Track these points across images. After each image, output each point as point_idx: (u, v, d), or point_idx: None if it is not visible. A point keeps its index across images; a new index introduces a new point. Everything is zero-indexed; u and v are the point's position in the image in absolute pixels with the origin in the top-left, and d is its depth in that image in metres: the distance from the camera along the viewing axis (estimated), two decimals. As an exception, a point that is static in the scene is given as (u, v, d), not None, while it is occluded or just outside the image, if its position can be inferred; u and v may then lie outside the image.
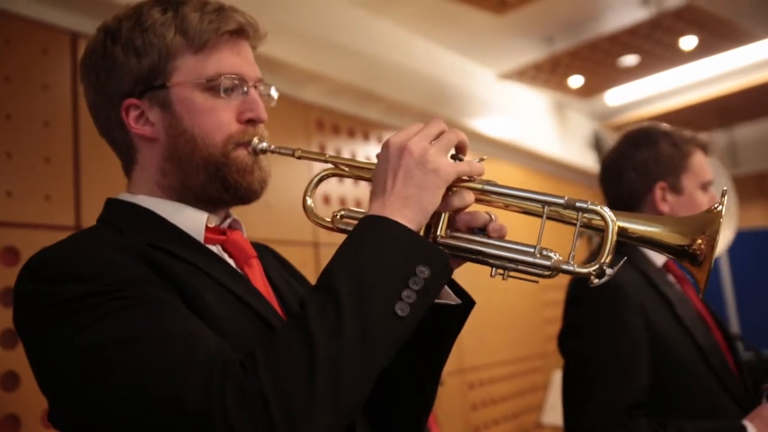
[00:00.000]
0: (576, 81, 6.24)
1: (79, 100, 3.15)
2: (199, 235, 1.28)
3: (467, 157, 1.23)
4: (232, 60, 1.28)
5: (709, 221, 1.13)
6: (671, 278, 2.24)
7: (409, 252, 1.06)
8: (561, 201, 1.17)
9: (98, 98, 1.31)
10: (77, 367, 1.00)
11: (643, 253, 2.20)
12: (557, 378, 5.80)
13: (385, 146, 1.16)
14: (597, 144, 8.00)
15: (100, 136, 1.36)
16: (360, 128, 4.95)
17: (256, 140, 1.29)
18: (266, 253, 1.48)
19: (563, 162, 7.18)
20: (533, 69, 5.83)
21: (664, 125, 2.40)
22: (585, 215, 1.17)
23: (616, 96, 7.22)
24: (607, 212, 1.14)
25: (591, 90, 6.66)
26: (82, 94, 3.26)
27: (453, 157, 1.21)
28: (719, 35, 5.60)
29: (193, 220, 1.28)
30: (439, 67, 5.58)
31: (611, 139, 8.19)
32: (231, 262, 1.32)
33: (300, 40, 4.26)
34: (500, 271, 1.22)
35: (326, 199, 4.48)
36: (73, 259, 1.08)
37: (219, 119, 1.26)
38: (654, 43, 5.61)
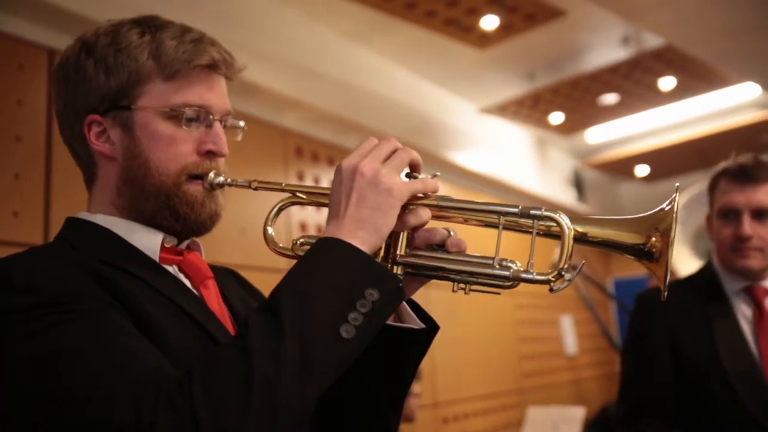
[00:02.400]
0: (557, 117, 6.32)
1: (54, 116, 3.13)
2: (154, 254, 1.25)
3: (421, 175, 1.22)
4: (201, 92, 1.26)
5: (662, 218, 1.14)
6: (744, 308, 2.31)
7: (359, 274, 1.04)
8: (515, 210, 1.16)
9: (65, 109, 1.29)
10: (11, 378, 0.99)
11: (718, 280, 2.34)
12: (531, 415, 5.76)
13: (338, 170, 1.15)
14: (577, 181, 8.07)
15: (64, 144, 1.35)
16: (339, 156, 4.96)
17: (212, 174, 1.26)
18: (227, 276, 1.46)
19: (543, 198, 7.23)
20: (514, 104, 5.90)
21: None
22: (541, 223, 1.16)
23: (596, 134, 7.31)
24: (563, 219, 1.14)
25: (571, 127, 6.74)
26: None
27: (408, 175, 1.20)
28: (697, 77, 5.72)
29: (148, 240, 1.26)
30: (421, 98, 5.63)
31: (591, 177, 8.30)
32: (187, 282, 1.30)
33: (282, 67, 4.29)
34: (462, 285, 1.20)
35: (302, 227, 4.47)
36: (20, 272, 1.06)
37: (177, 150, 1.24)
38: (633, 83, 5.71)
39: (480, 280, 1.19)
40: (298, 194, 1.30)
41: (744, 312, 2.29)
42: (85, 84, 1.25)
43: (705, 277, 2.39)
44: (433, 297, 5.49)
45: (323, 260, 1.06)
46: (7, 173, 2.92)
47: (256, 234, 4.14)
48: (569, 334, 7.58)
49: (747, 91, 6.20)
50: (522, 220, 1.18)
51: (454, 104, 6.08)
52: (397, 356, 1.29)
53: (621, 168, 8.10)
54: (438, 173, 1.23)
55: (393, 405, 1.35)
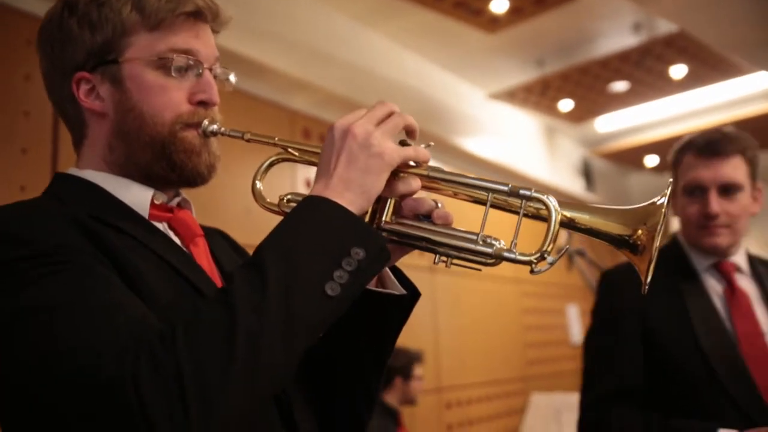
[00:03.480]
0: (566, 105, 6.28)
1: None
2: (144, 210, 1.25)
3: (415, 143, 1.22)
4: (187, 40, 1.26)
5: (651, 213, 1.13)
6: (714, 283, 2.24)
7: (345, 233, 1.04)
8: (505, 188, 1.15)
9: (52, 69, 1.28)
10: (1, 330, 0.99)
11: (686, 256, 2.26)
12: (534, 402, 5.77)
13: (330, 129, 1.15)
14: (586, 170, 8.04)
15: (53, 107, 1.36)
16: (347, 140, 4.95)
17: (206, 122, 1.26)
18: (216, 235, 1.46)
19: (551, 186, 7.20)
20: (523, 90, 5.87)
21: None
22: (530, 204, 1.16)
23: (605, 123, 7.26)
24: (551, 201, 1.13)
25: (581, 115, 6.70)
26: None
27: (401, 142, 1.20)
28: (708, 66, 5.66)
29: (138, 196, 1.25)
30: (429, 83, 5.61)
31: (599, 166, 8.25)
32: (176, 240, 1.30)
33: (291, 48, 4.29)
34: (444, 258, 1.20)
35: (308, 184, 4.47)
36: (5, 223, 1.06)
37: (169, 98, 1.24)
38: (644, 71, 5.66)
39: (462, 255, 1.19)
40: (290, 150, 1.30)
41: (715, 288, 2.23)
42: (71, 42, 1.24)
43: (672, 253, 2.28)
44: (439, 283, 5.53)
45: (309, 217, 1.06)
46: (15, 148, 2.94)
47: (261, 214, 4.15)
48: (575, 324, 7.56)
49: (759, 80, 6.14)
50: (511, 199, 1.18)
51: (463, 89, 6.06)
52: (378, 322, 1.29)
53: (630, 158, 8.06)
54: (432, 143, 1.22)
55: (374, 370, 1.36)
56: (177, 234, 1.30)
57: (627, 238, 1.13)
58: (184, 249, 1.28)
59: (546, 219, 1.15)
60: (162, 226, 1.29)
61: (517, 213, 1.19)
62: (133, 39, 1.23)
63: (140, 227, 1.21)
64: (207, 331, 0.93)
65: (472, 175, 1.19)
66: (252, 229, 4.04)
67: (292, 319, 0.97)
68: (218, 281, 1.29)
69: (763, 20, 4.51)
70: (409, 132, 1.20)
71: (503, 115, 6.58)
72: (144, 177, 1.27)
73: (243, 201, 4.60)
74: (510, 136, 6.68)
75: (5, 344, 0.99)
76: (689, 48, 5.29)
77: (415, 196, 1.21)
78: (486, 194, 1.18)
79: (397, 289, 1.29)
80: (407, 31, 5.01)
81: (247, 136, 1.30)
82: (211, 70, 1.29)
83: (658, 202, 1.14)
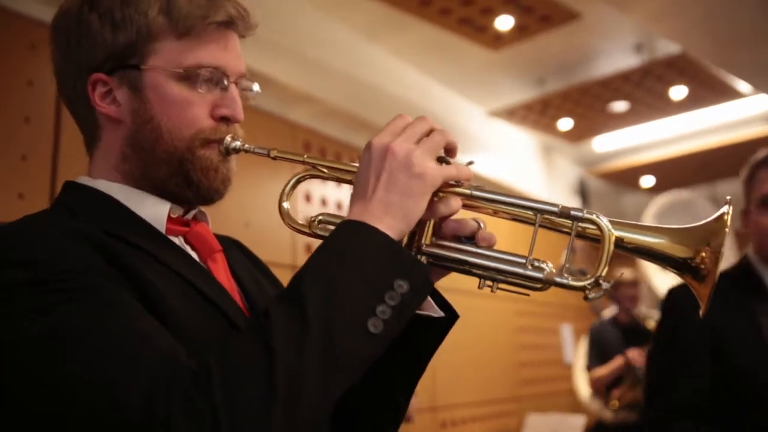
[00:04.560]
0: (565, 124, 6.27)
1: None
2: (161, 225, 1.17)
3: (455, 160, 1.16)
4: (216, 53, 1.18)
5: (714, 232, 1.05)
6: None
7: (387, 264, 0.97)
8: (555, 209, 1.09)
9: (66, 65, 1.19)
10: (12, 361, 0.90)
11: (758, 275, 2.22)
12: (531, 422, 5.71)
13: (368, 147, 1.06)
14: (582, 190, 8.02)
15: (65, 105, 1.27)
16: (347, 154, 4.90)
17: (228, 138, 1.18)
18: (233, 247, 1.37)
19: (547, 205, 7.16)
20: (523, 108, 5.85)
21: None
22: (580, 224, 1.10)
23: (603, 143, 7.26)
24: (603, 221, 1.07)
25: (580, 134, 6.69)
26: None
27: (440, 159, 1.13)
28: (708, 88, 5.67)
29: (154, 210, 1.17)
30: (429, 98, 5.57)
31: (596, 186, 8.24)
32: (194, 255, 1.21)
33: (293, 60, 4.24)
34: (489, 283, 1.13)
35: (307, 197, 4.40)
36: (16, 242, 0.98)
37: (191, 114, 1.16)
38: (644, 91, 5.66)
39: (509, 279, 1.12)
40: (320, 168, 1.22)
41: None
42: (89, 39, 1.14)
43: (743, 271, 2.25)
44: (434, 299, 5.44)
45: (350, 246, 0.98)
46: (14, 154, 2.85)
47: (260, 228, 4.11)
48: (569, 343, 7.52)
49: (758, 103, 6.15)
50: (559, 220, 1.12)
51: (463, 106, 6.03)
52: (413, 343, 1.22)
53: (626, 178, 8.06)
54: (473, 161, 1.16)
55: (404, 393, 1.30)
56: (194, 249, 1.22)
57: (689, 261, 1.06)
58: (203, 265, 1.20)
59: (597, 239, 1.10)
60: (179, 241, 1.21)
61: (564, 233, 1.14)
62: (159, 45, 1.14)
63: (158, 243, 1.13)
64: (245, 376, 0.86)
65: (517, 195, 1.14)
66: (251, 243, 3.95)
67: (334, 360, 0.90)
68: (238, 298, 1.22)
69: (765, 42, 4.52)
70: (450, 150, 1.12)
71: (502, 133, 6.55)
72: (157, 191, 1.19)
73: (243, 214, 4.56)
74: (508, 154, 6.66)
75: (15, 378, 0.90)
76: (689, 69, 5.30)
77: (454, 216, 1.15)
78: (534, 215, 1.12)
79: (434, 311, 1.22)
80: (410, 46, 4.98)
81: (274, 153, 1.22)
82: (237, 84, 1.22)
83: (720, 221, 1.07)
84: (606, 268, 1.06)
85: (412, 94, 5.34)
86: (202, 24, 1.15)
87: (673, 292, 2.29)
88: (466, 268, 1.14)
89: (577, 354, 5.40)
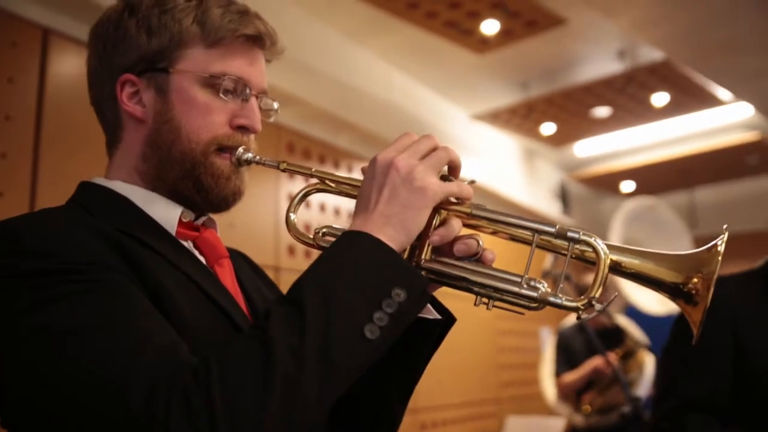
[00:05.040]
0: (548, 128, 6.30)
1: (45, 95, 3.04)
2: (172, 227, 1.20)
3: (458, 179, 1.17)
4: (242, 65, 1.23)
5: (707, 261, 1.07)
6: None
7: (386, 272, 0.99)
8: (552, 230, 1.10)
9: (99, 66, 1.25)
10: (17, 349, 0.92)
11: None
12: (510, 425, 5.73)
13: (373, 162, 1.10)
14: (563, 194, 8.07)
15: (90, 104, 1.31)
16: (331, 155, 4.90)
17: (241, 150, 1.22)
18: (238, 257, 1.42)
19: (529, 209, 7.21)
20: (507, 112, 5.87)
21: None
22: (577, 246, 1.11)
23: (585, 148, 7.31)
24: (599, 244, 1.08)
25: (562, 139, 6.73)
26: (48, 89, 3.14)
27: (443, 177, 1.14)
28: (689, 95, 5.73)
29: (166, 212, 1.21)
30: (414, 101, 5.58)
31: (576, 190, 8.29)
32: (202, 259, 1.25)
33: (279, 62, 4.20)
34: (485, 300, 1.15)
35: (306, 203, 4.40)
36: (31, 233, 1.00)
37: (211, 119, 1.20)
38: (627, 97, 5.71)
39: (505, 297, 1.14)
40: (328, 182, 1.25)
41: None
42: (125, 42, 1.21)
43: (765, 272, 2.17)
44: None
45: (349, 255, 1.01)
46: (-6, 153, 2.82)
47: (244, 229, 4.09)
48: (548, 346, 7.56)
49: (738, 111, 6.23)
50: (556, 241, 1.13)
51: (447, 109, 6.03)
52: (410, 347, 1.24)
53: (607, 183, 8.12)
54: (475, 180, 1.17)
55: (401, 397, 1.32)
56: (202, 254, 1.26)
57: (681, 286, 1.08)
58: (210, 269, 1.24)
59: (593, 262, 1.10)
60: (188, 245, 1.24)
61: (559, 253, 1.15)
62: (188, 52, 1.20)
63: (168, 245, 1.17)
64: (242, 373, 0.88)
65: (516, 215, 1.14)
66: (236, 243, 3.94)
67: (330, 363, 0.92)
68: (242, 303, 1.26)
69: (748, 50, 4.58)
70: (453, 168, 1.15)
71: (485, 136, 6.57)
72: (170, 193, 1.23)
73: (227, 216, 4.51)
74: (490, 158, 6.68)
75: (23, 366, 0.92)
76: (672, 76, 5.34)
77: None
78: (531, 235, 1.13)
79: (431, 314, 1.24)
80: (396, 49, 4.97)
81: (283, 165, 1.26)
82: (257, 98, 1.26)
83: (714, 250, 1.09)
84: (600, 290, 1.07)
85: (396, 97, 5.33)
86: (231, 36, 1.21)
87: None
88: (463, 284, 1.16)
89: (544, 359, 5.43)
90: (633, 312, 5.64)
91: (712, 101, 5.93)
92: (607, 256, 1.07)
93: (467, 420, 5.89)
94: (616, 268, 1.10)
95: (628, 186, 8.14)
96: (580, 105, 5.84)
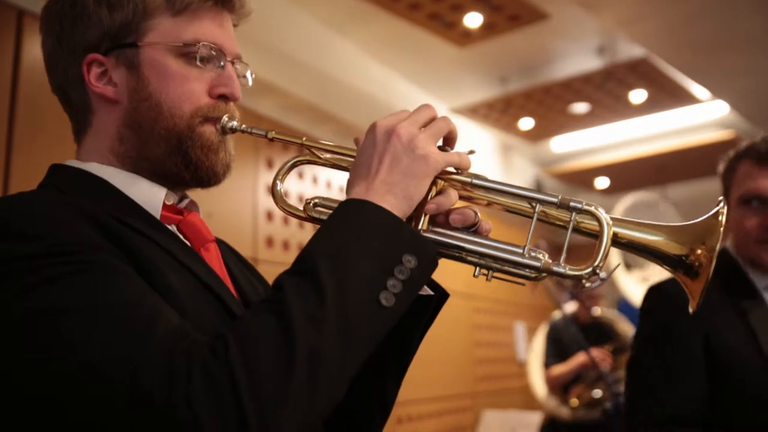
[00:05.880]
0: (526, 123, 6.32)
1: (20, 78, 2.97)
2: (156, 211, 1.15)
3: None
4: (213, 30, 1.18)
5: (710, 230, 1.07)
6: None
7: (395, 239, 0.97)
8: (554, 200, 1.09)
9: (58, 48, 1.17)
10: (15, 336, 0.86)
11: (744, 273, 2.10)
12: (487, 419, 5.75)
13: (372, 129, 1.07)
14: (538, 189, 8.09)
15: (52, 92, 1.23)
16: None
17: (226, 118, 1.18)
18: (222, 245, 1.38)
19: (505, 203, 7.20)
20: (486, 107, 5.88)
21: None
22: (579, 217, 1.10)
23: (561, 143, 7.34)
24: (602, 214, 1.07)
25: (539, 134, 6.76)
26: (23, 72, 3.06)
27: (439, 148, 1.13)
28: (667, 92, 5.78)
29: (150, 195, 1.16)
30: (393, 93, 5.56)
31: (551, 186, 8.33)
32: (187, 243, 1.20)
33: (259, 51, 4.17)
34: (484, 271, 1.13)
35: (300, 174, 4.36)
36: (17, 215, 0.94)
37: (190, 89, 1.15)
38: (605, 93, 5.74)
39: (505, 267, 1.13)
40: (318, 152, 1.22)
41: None
42: (84, 19, 1.14)
43: (727, 269, 2.11)
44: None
45: (356, 222, 0.98)
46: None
47: (221, 220, 4.04)
48: (522, 341, 7.61)
49: (714, 109, 6.30)
50: (557, 212, 1.12)
51: (425, 102, 6.00)
52: (404, 324, 1.20)
53: (582, 179, 8.16)
54: (474, 150, 1.16)
55: (394, 376, 1.31)
56: (186, 238, 1.20)
57: (683, 258, 1.07)
58: (197, 253, 1.19)
59: (594, 234, 1.10)
60: (171, 228, 1.19)
61: (558, 226, 1.14)
62: (155, 22, 1.14)
63: (154, 228, 1.11)
64: (264, 346, 0.84)
65: (516, 185, 1.13)
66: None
67: (350, 331, 0.89)
68: (231, 288, 1.21)
69: (730, 48, 4.63)
70: (450, 139, 1.14)
71: (462, 130, 6.53)
72: (154, 174, 1.17)
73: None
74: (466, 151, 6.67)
75: (22, 353, 0.86)
76: (650, 74, 5.38)
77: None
78: (531, 205, 1.12)
79: (424, 290, 1.23)
80: (377, 40, 4.95)
81: (271, 134, 1.22)
82: (233, 64, 1.21)
83: (715, 219, 1.08)
84: (604, 261, 1.07)
85: (375, 89, 5.31)
86: (198, 1, 1.16)
87: (661, 288, 2.12)
88: (462, 254, 1.14)
89: (534, 350, 5.44)
90: (626, 307, 5.67)
91: (689, 99, 5.98)
92: (610, 226, 1.07)
93: (444, 414, 5.89)
94: (620, 241, 1.10)
95: (602, 182, 8.20)
96: (559, 100, 5.87)
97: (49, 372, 0.84)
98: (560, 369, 4.71)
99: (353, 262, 0.93)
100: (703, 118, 6.54)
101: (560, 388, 4.71)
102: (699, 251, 1.07)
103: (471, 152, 1.15)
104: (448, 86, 5.76)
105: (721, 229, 1.06)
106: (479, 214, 1.17)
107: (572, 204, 1.08)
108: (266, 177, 4.45)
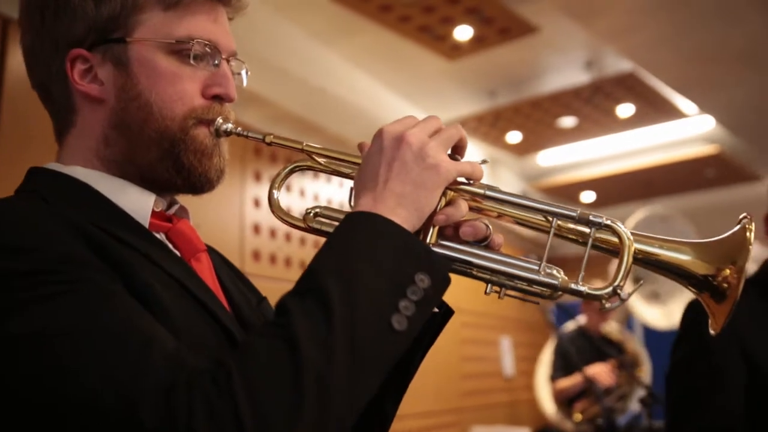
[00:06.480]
0: (514, 137, 6.30)
1: (5, 86, 2.90)
2: (144, 219, 1.08)
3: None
4: (207, 25, 1.11)
5: (738, 247, 1.00)
6: None
7: (407, 257, 0.91)
8: (573, 214, 1.04)
9: (39, 43, 1.10)
10: (3, 361, 0.79)
11: None
12: (473, 435, 5.69)
13: (379, 135, 1.01)
14: (556, 203, 8.06)
15: (32, 88, 1.15)
16: (296, 157, 4.80)
17: (220, 120, 1.11)
18: (212, 252, 1.30)
19: (492, 217, 7.18)
20: (475, 120, 5.85)
21: None
22: (599, 233, 1.05)
23: (548, 157, 7.33)
24: (623, 229, 1.02)
25: (527, 148, 6.74)
26: (7, 80, 2.98)
27: (450, 156, 1.07)
28: (654, 107, 5.79)
29: (138, 202, 1.08)
30: (381, 106, 5.51)
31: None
32: (177, 253, 1.13)
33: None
34: (496, 288, 1.08)
35: (287, 187, 4.29)
36: (3, 227, 0.87)
37: (183, 88, 1.08)
38: (593, 107, 5.73)
39: (519, 285, 1.07)
40: (318, 158, 1.15)
41: None
42: (68, 12, 1.06)
43: (761, 280, 2.11)
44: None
45: (365, 238, 0.91)
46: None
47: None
48: (507, 356, 7.56)
49: (699, 124, 6.31)
50: (575, 226, 1.07)
51: (415, 115, 5.98)
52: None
53: (568, 193, 8.16)
54: (487, 160, 1.10)
55: (394, 397, 1.25)
56: (176, 247, 1.13)
57: (710, 279, 1.01)
58: (188, 264, 1.11)
59: (615, 251, 1.05)
60: (160, 237, 1.11)
61: (576, 242, 1.09)
62: (145, 17, 1.07)
63: (142, 238, 1.03)
64: (270, 375, 0.77)
65: (533, 198, 1.08)
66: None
67: (361, 360, 0.82)
68: (224, 301, 1.14)
69: (717, 62, 4.63)
70: (460, 147, 1.07)
71: (450, 144, 6.53)
72: (142, 179, 1.09)
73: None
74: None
75: (8, 380, 0.79)
76: (637, 88, 5.39)
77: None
78: (548, 219, 1.07)
79: None
80: (366, 52, 4.91)
81: (269, 138, 1.15)
82: (228, 62, 1.14)
83: (744, 234, 1.02)
84: (625, 280, 1.02)
85: (363, 101, 5.26)
86: None
87: (698, 306, 2.11)
88: (473, 270, 1.08)
89: (542, 364, 5.39)
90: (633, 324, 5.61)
91: (675, 113, 5.99)
92: (631, 243, 1.02)
93: (430, 429, 5.82)
94: (643, 259, 1.04)
95: (588, 196, 8.20)
96: (547, 114, 5.85)
97: (38, 404, 0.78)
98: (564, 383, 4.66)
99: (364, 283, 0.86)
100: (689, 132, 6.56)
101: (565, 401, 4.67)
102: (727, 271, 1.01)
103: (484, 162, 1.09)
104: (437, 99, 5.72)
105: (750, 246, 1.01)
106: (491, 227, 1.11)
107: (592, 218, 1.03)
108: (253, 189, 4.38)
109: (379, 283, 0.87)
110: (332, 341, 0.80)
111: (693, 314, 2.12)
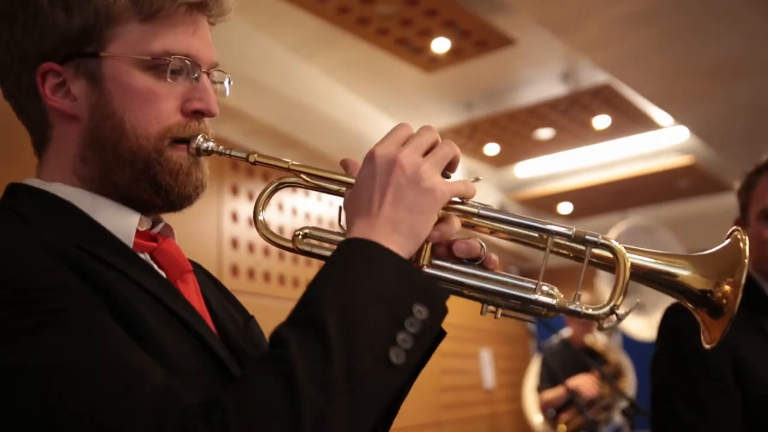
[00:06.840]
0: (492, 149, 6.32)
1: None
2: (129, 239, 1.03)
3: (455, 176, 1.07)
4: (186, 39, 1.05)
5: (735, 261, 0.99)
6: None
7: (405, 287, 0.87)
8: (569, 233, 1.01)
9: (8, 55, 1.04)
10: None
11: (762, 291, 2.03)
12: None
13: (371, 158, 0.97)
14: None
15: (3, 97, 1.10)
16: (275, 173, 4.75)
17: (200, 139, 1.05)
18: (199, 271, 1.25)
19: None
20: (452, 133, 5.85)
21: None
22: (595, 250, 1.02)
23: (525, 169, 7.37)
24: (619, 247, 1.00)
25: (504, 160, 6.77)
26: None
27: (443, 174, 1.04)
28: (629, 118, 5.84)
29: (122, 221, 1.03)
30: (358, 119, 5.50)
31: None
32: (162, 274, 1.08)
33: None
34: (492, 308, 1.05)
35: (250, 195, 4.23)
36: None
37: (159, 108, 1.02)
38: (569, 119, 5.77)
39: (514, 304, 1.05)
40: (303, 176, 1.10)
41: None
42: (38, 23, 1.00)
43: (746, 287, 2.08)
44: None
45: (362, 267, 0.88)
46: None
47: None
48: (488, 368, 7.55)
49: (674, 135, 6.38)
50: (570, 244, 1.05)
51: (390, 127, 5.97)
52: None
53: (545, 204, 8.20)
54: (480, 178, 1.07)
55: (385, 421, 1.21)
56: (161, 268, 1.08)
57: (708, 294, 1.00)
58: (174, 286, 1.06)
59: (610, 267, 1.02)
60: (144, 257, 1.07)
61: (571, 258, 1.07)
62: (120, 30, 1.01)
63: (127, 260, 0.98)
64: (267, 412, 0.74)
65: (527, 216, 1.05)
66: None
67: (359, 396, 0.79)
68: (211, 325, 1.09)
69: (691, 75, 4.68)
70: (452, 164, 1.03)
71: (427, 156, 6.52)
72: (123, 198, 1.04)
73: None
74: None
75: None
76: (613, 100, 5.43)
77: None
78: (543, 237, 1.04)
79: None
80: (343, 65, 4.89)
81: (253, 158, 1.09)
82: (208, 74, 1.09)
83: (739, 247, 1.00)
84: (622, 297, 0.99)
85: (341, 114, 5.24)
86: (170, 5, 1.02)
87: (685, 314, 2.02)
88: (467, 291, 1.05)
89: (529, 375, 5.40)
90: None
91: (651, 125, 6.06)
92: (627, 260, 1.00)
93: (410, 444, 5.77)
94: (640, 274, 1.02)
95: (565, 208, 8.24)
96: (524, 126, 5.88)
97: None
98: (549, 394, 4.68)
99: (362, 316, 0.83)
100: (663, 144, 6.63)
101: (551, 413, 4.68)
102: (726, 286, 0.99)
103: (476, 180, 1.06)
104: (415, 112, 5.72)
105: (746, 260, 0.99)
106: (485, 246, 1.08)
107: (588, 237, 1.01)
108: (231, 203, 4.33)
109: (377, 314, 0.84)
110: (330, 378, 0.77)
111: (671, 322, 2.04)
